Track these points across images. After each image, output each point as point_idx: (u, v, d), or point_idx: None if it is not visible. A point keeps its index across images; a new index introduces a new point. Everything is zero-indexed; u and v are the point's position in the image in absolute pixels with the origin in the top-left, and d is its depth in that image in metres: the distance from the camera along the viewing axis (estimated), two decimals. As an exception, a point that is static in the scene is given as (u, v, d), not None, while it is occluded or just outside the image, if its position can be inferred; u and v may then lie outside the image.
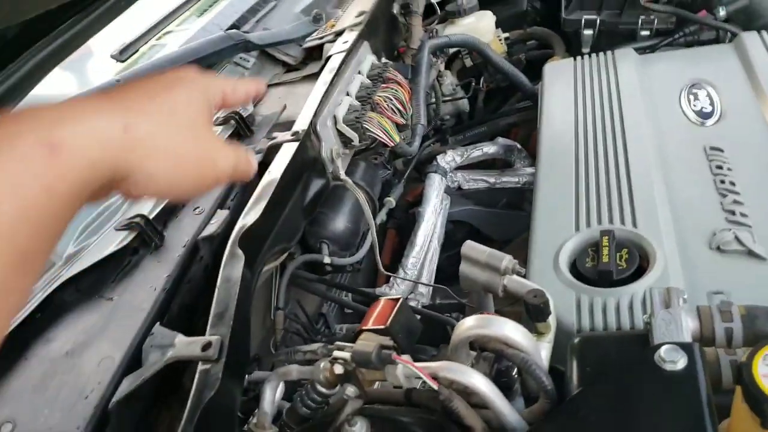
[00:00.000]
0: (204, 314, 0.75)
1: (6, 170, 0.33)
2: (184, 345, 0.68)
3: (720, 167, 0.97)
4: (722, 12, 1.30)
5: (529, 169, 1.48)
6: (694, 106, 1.12)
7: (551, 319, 0.70)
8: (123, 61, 1.22)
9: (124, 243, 0.88)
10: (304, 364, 0.69)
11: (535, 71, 1.53)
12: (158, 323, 0.74)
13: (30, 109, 0.37)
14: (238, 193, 0.99)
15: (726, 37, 1.34)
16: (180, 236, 0.90)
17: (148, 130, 0.42)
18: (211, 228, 0.88)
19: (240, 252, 0.78)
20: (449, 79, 1.74)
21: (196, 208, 0.95)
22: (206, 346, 0.66)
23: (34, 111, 0.37)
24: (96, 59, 1.27)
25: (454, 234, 1.55)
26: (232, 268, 0.76)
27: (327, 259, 1.15)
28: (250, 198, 0.91)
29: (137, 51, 1.27)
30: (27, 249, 0.35)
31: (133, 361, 0.72)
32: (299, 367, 0.69)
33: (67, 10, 0.70)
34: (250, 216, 0.85)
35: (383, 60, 1.40)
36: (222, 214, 0.91)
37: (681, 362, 0.54)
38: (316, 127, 1.09)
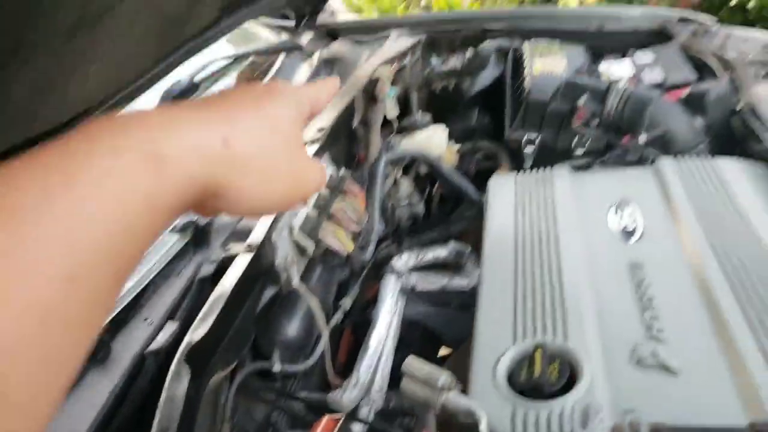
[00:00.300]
0: (146, 429, 0.76)
1: (109, 183, 0.32)
2: (124, 465, 0.69)
3: (641, 283, 1.05)
4: (643, 138, 1.45)
5: (478, 273, 1.56)
6: (620, 223, 1.23)
7: (482, 437, 0.74)
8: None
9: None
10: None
11: (483, 180, 1.64)
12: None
13: (133, 117, 0.36)
14: (190, 303, 1.02)
15: (647, 160, 1.48)
16: (127, 348, 0.91)
17: (246, 145, 0.40)
18: (160, 341, 0.91)
19: (186, 369, 0.80)
20: (405, 185, 1.84)
21: (146, 319, 0.97)
22: (147, 466, 0.67)
23: (139, 119, 0.36)
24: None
25: (409, 335, 1.59)
26: (176, 385, 0.78)
27: (277, 367, 1.17)
28: (200, 309, 0.95)
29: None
30: (126, 264, 0.33)
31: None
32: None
33: (35, 140, 0.75)
34: (199, 330, 0.88)
35: (341, 171, 1.49)
36: (171, 326, 0.93)
37: (593, 482, 0.59)
38: (272, 238, 1.15)
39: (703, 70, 1.80)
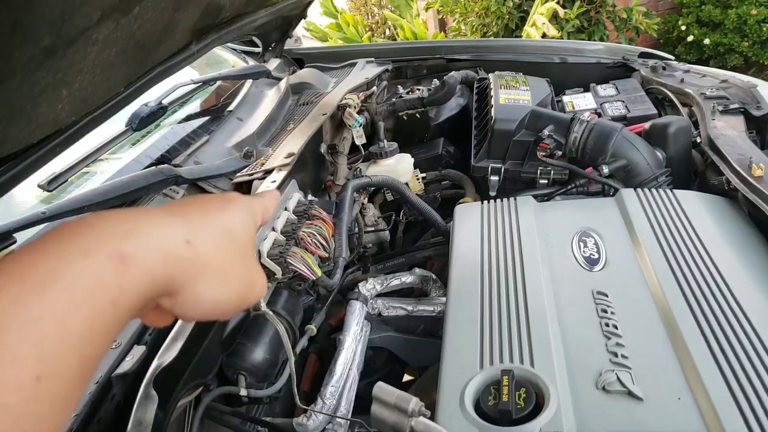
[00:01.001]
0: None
1: (79, 284, 0.33)
2: (88, 495, 0.67)
3: (605, 310, 1.09)
4: (606, 170, 1.50)
5: (444, 299, 1.57)
6: (584, 252, 1.27)
7: (452, 462, 0.74)
8: (50, 191, 1.25)
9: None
10: None
11: (449, 208, 1.67)
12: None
13: (99, 218, 0.38)
14: (157, 328, 1.00)
15: (610, 190, 1.53)
16: (94, 372, 0.89)
17: (207, 248, 0.42)
18: (126, 365, 0.89)
19: (154, 393, 0.79)
20: (372, 212, 1.86)
21: (113, 342, 0.95)
22: (112, 496, 0.65)
23: (105, 220, 0.37)
24: (21, 187, 1.29)
25: (374, 361, 1.59)
26: (144, 410, 0.76)
27: (243, 392, 1.16)
28: (168, 333, 0.93)
29: (66, 180, 1.30)
30: (90, 361, 0.34)
31: None
32: None
33: (6, 160, 0.74)
34: (167, 355, 0.87)
35: (309, 197, 1.49)
36: (138, 350, 0.91)
37: (562, 506, 0.60)
38: (240, 262, 1.14)
39: (662, 104, 1.88)
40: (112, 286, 0.35)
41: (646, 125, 1.64)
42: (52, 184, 1.21)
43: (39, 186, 1.22)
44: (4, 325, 0.30)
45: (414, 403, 0.78)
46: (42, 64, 0.59)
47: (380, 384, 0.82)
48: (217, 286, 0.43)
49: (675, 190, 1.40)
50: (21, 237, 1.03)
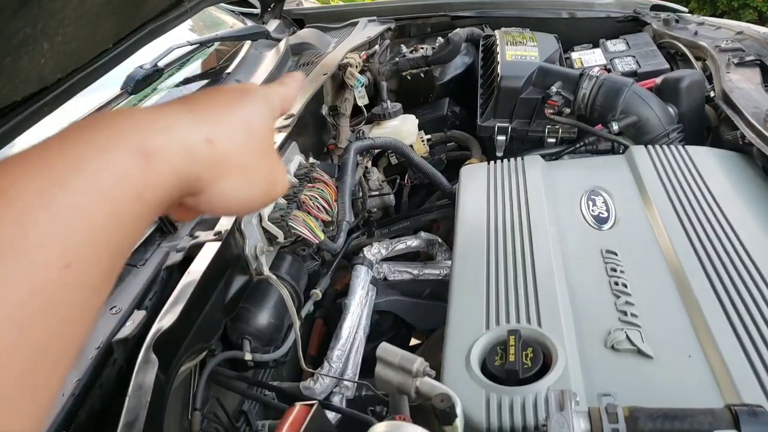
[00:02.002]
0: (115, 421, 0.73)
1: (101, 178, 0.33)
2: (89, 458, 0.66)
3: (614, 269, 1.06)
4: (615, 127, 1.46)
5: (450, 263, 1.55)
6: (593, 211, 1.24)
7: (458, 422, 0.73)
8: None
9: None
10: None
11: (455, 170, 1.63)
12: (64, 432, 0.72)
13: (123, 113, 0.37)
14: (157, 292, 0.98)
15: (620, 148, 1.49)
16: (94, 337, 0.88)
17: (228, 145, 0.42)
18: (127, 329, 0.87)
19: (154, 357, 0.78)
20: (376, 175, 1.83)
21: (113, 308, 0.94)
22: (112, 459, 0.64)
23: (126, 116, 0.37)
24: (17, 151, 1.26)
25: (380, 324, 1.59)
26: (145, 374, 0.75)
27: (248, 356, 1.15)
28: (168, 297, 0.92)
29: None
30: (119, 253, 0.35)
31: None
32: (210, 477, 0.69)
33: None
34: (167, 318, 0.85)
35: (311, 159, 1.46)
36: (139, 315, 0.90)
37: (571, 465, 0.58)
38: (241, 225, 1.12)
39: (674, 58, 1.82)
40: (136, 181, 0.35)
41: (658, 80, 1.59)
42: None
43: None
44: (29, 218, 0.30)
45: (419, 363, 0.77)
46: (17, 12, 0.56)
47: (384, 344, 0.80)
48: (240, 184, 0.43)
49: (687, 146, 1.36)
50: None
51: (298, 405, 0.69)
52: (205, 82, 1.73)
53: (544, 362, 0.90)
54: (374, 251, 1.59)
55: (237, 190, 0.43)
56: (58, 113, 0.89)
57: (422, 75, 2.01)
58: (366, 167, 1.78)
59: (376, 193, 1.81)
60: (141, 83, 1.43)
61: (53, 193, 0.32)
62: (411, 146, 1.75)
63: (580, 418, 0.67)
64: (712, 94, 1.57)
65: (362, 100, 1.77)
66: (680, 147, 1.36)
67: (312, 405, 0.69)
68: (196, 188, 0.40)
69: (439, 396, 0.71)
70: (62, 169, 0.33)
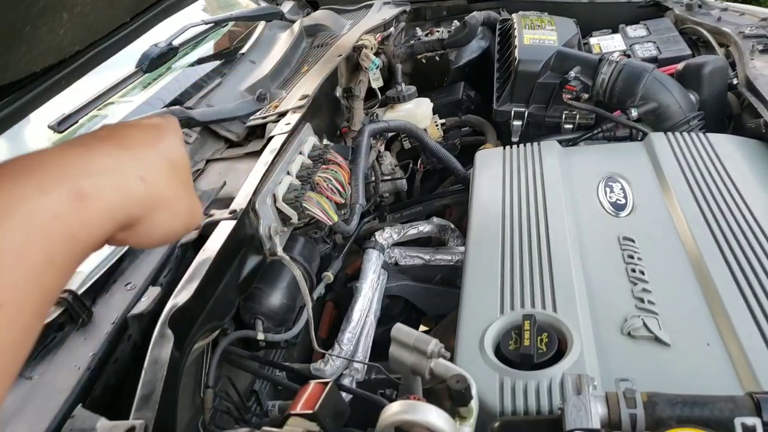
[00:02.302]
0: (130, 395, 0.73)
1: (36, 219, 0.34)
2: (106, 429, 0.66)
3: (631, 256, 1.05)
4: (634, 113, 1.43)
5: (462, 248, 1.55)
6: (610, 197, 1.22)
7: (473, 404, 0.73)
8: (61, 132, 1.22)
9: (49, 318, 0.86)
10: (230, 450, 0.69)
11: (469, 155, 1.62)
12: (80, 405, 0.72)
13: (53, 154, 0.38)
14: (172, 269, 0.98)
15: (638, 135, 1.47)
16: (109, 313, 0.89)
17: (159, 183, 0.44)
18: (142, 305, 0.88)
19: (169, 332, 0.78)
20: (389, 160, 1.81)
21: (127, 284, 0.94)
22: (130, 431, 0.64)
23: (59, 157, 0.38)
24: (32, 128, 1.26)
25: (391, 309, 1.58)
26: (160, 349, 0.75)
27: (261, 336, 1.15)
28: (183, 275, 0.92)
29: (77, 122, 1.28)
30: (50, 292, 0.36)
31: (50, 447, 0.69)
32: (224, 453, 0.69)
33: (7, 88, 0.71)
34: (182, 295, 0.85)
35: (324, 141, 1.45)
36: (154, 291, 0.90)
37: (588, 448, 0.58)
38: (255, 205, 1.11)
39: (696, 44, 1.79)
40: (71, 222, 0.36)
41: (680, 66, 1.56)
42: (62, 125, 1.19)
43: (49, 127, 1.19)
44: None
45: (434, 344, 0.76)
46: (38, -20, 0.55)
47: (399, 325, 0.80)
48: (167, 218, 0.45)
49: (708, 134, 1.33)
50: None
51: (312, 383, 0.69)
52: (218, 62, 1.72)
53: (559, 347, 0.89)
54: (386, 236, 1.59)
55: (164, 224, 0.45)
56: (75, 87, 0.89)
57: (437, 58, 1.98)
58: (379, 151, 1.77)
59: (389, 177, 1.80)
60: (156, 61, 1.43)
61: None
62: (425, 130, 1.73)
63: (598, 403, 0.66)
64: (735, 81, 1.54)
65: (377, 83, 1.75)
66: (701, 134, 1.33)
67: (327, 383, 0.69)
68: (128, 224, 0.42)
69: (454, 377, 0.70)
70: None
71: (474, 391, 0.72)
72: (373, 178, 1.73)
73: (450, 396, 0.71)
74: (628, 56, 1.75)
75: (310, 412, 0.65)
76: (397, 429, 0.68)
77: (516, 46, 1.70)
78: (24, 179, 0.35)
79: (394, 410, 0.65)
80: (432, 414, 0.63)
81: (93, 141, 0.42)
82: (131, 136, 0.45)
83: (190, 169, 0.50)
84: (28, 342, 0.35)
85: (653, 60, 1.71)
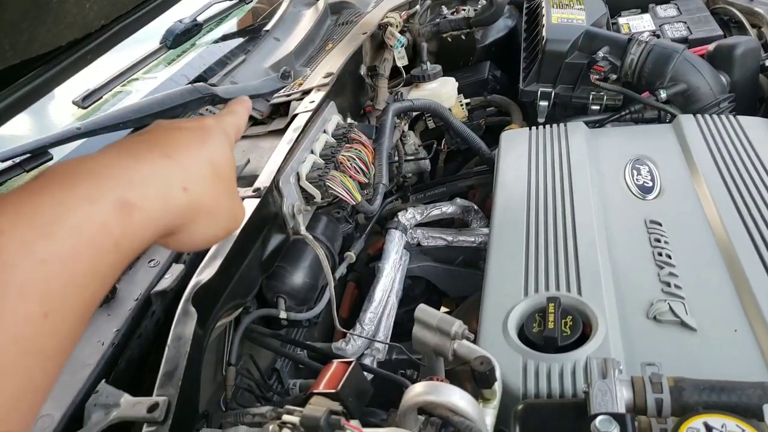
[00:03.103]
0: (153, 370, 0.74)
1: (84, 229, 0.35)
2: (129, 405, 0.67)
3: (658, 240, 1.03)
4: (663, 94, 1.40)
5: (485, 230, 1.53)
6: (637, 180, 1.20)
7: (497, 386, 0.72)
8: (85, 108, 1.23)
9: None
10: (253, 426, 0.70)
11: (493, 136, 1.60)
12: (104, 380, 0.73)
13: (101, 164, 0.39)
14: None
15: (667, 117, 1.44)
16: (133, 289, 0.89)
17: (201, 192, 0.44)
18: (165, 282, 0.88)
19: (193, 310, 0.78)
20: (412, 140, 1.80)
21: (151, 261, 0.95)
22: (153, 408, 0.65)
23: (107, 167, 0.39)
24: (57, 103, 1.28)
25: (412, 289, 1.58)
26: (183, 326, 0.76)
27: (283, 314, 1.15)
28: (206, 252, 0.92)
29: (101, 98, 1.28)
30: (92, 300, 0.37)
31: (74, 420, 0.70)
32: (248, 429, 0.69)
33: (33, 61, 0.71)
34: (205, 272, 0.85)
35: (348, 120, 1.44)
36: (177, 269, 0.91)
37: (614, 432, 0.57)
38: (279, 183, 1.11)
39: (728, 25, 1.74)
40: (115, 232, 0.37)
41: (711, 47, 1.51)
42: (86, 101, 1.19)
43: (74, 103, 1.20)
44: (14, 265, 0.32)
45: (457, 325, 0.76)
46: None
47: (422, 306, 0.79)
48: (208, 225, 0.46)
49: (739, 116, 1.30)
50: (57, 152, 1.02)
51: (335, 362, 0.69)
52: (243, 39, 1.72)
53: (583, 331, 0.88)
54: (409, 216, 1.58)
55: (205, 230, 0.46)
56: (99, 62, 0.89)
57: (463, 37, 1.95)
58: (403, 131, 1.76)
59: (412, 157, 1.78)
60: (180, 37, 1.43)
61: (38, 243, 0.33)
62: (450, 110, 1.71)
63: (623, 387, 0.65)
64: (767, 62, 1.49)
65: (402, 61, 1.73)
66: (731, 117, 1.30)
67: (349, 363, 0.69)
68: (169, 232, 0.43)
69: (478, 359, 0.70)
70: (49, 217, 0.34)
71: (498, 374, 0.72)
72: (397, 158, 1.72)
73: (473, 377, 0.71)
74: (658, 37, 1.70)
75: (333, 391, 0.65)
76: (419, 410, 0.69)
77: (543, 25, 1.67)
78: (74, 189, 0.36)
79: (417, 391, 0.65)
80: (456, 395, 0.63)
81: (140, 147, 0.42)
82: (177, 141, 0.45)
83: (236, 171, 0.51)
84: (70, 348, 0.35)
85: (683, 41, 1.66)
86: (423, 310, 0.79)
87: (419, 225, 1.59)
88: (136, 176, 0.40)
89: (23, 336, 0.31)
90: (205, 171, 0.45)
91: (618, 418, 0.58)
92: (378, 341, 1.30)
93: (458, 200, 1.62)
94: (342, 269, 1.39)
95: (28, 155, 1.00)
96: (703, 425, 0.52)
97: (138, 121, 1.10)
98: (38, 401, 0.33)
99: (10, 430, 0.31)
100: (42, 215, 0.34)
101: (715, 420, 0.53)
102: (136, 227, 0.38)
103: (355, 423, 0.61)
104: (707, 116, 1.32)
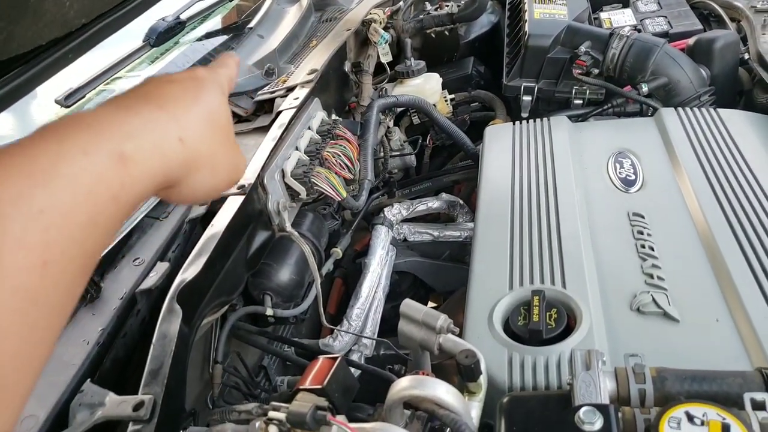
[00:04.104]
0: (138, 369, 0.74)
1: (80, 180, 0.35)
2: (114, 404, 0.67)
3: (641, 232, 1.04)
4: (645, 88, 1.41)
5: (471, 224, 1.54)
6: (620, 173, 1.21)
7: (482, 379, 0.73)
8: (68, 107, 1.22)
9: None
10: (240, 424, 0.70)
11: (478, 131, 1.60)
12: (89, 380, 0.73)
13: (95, 117, 0.39)
14: (180, 244, 0.99)
15: (648, 110, 1.45)
16: (118, 288, 0.89)
17: (197, 141, 0.44)
18: (150, 281, 0.88)
19: (178, 308, 0.78)
20: (397, 135, 1.80)
21: (135, 259, 0.94)
22: (138, 406, 0.65)
23: (101, 119, 0.39)
24: (39, 102, 1.26)
25: (399, 285, 1.58)
26: (169, 324, 0.76)
27: (269, 311, 1.15)
28: (191, 250, 0.92)
29: (84, 97, 1.27)
30: (93, 252, 0.37)
31: (59, 420, 0.69)
32: (234, 426, 0.69)
33: (13, 61, 0.71)
34: (190, 270, 0.85)
35: (333, 116, 1.44)
36: (162, 267, 0.91)
37: (598, 423, 0.58)
38: (264, 180, 1.11)
39: (708, 19, 1.76)
40: (113, 183, 0.37)
41: (691, 41, 1.53)
42: (69, 100, 1.18)
43: (56, 102, 1.19)
44: (11, 215, 0.31)
45: (442, 320, 0.76)
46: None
47: (407, 301, 0.80)
48: (208, 176, 0.46)
49: (719, 109, 1.31)
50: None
51: (321, 358, 0.69)
52: (226, 36, 1.71)
53: (567, 323, 0.89)
54: (395, 212, 1.58)
55: (205, 182, 0.46)
56: (81, 61, 0.88)
57: (447, 33, 1.95)
58: (388, 127, 1.76)
59: (398, 153, 1.78)
60: (163, 35, 1.42)
61: (35, 193, 0.33)
62: (434, 105, 1.71)
63: (607, 378, 0.66)
64: (746, 56, 1.52)
65: (386, 57, 1.73)
66: (711, 110, 1.32)
67: (335, 358, 0.69)
68: (169, 184, 0.43)
69: (463, 352, 0.71)
70: (45, 168, 0.34)
71: (483, 367, 0.73)
72: (382, 154, 1.72)
73: (459, 371, 0.71)
74: (639, 31, 1.72)
75: (319, 387, 0.65)
76: (406, 404, 0.69)
77: (526, 21, 1.67)
78: (69, 141, 0.36)
79: (402, 386, 0.65)
80: (441, 389, 0.63)
81: (134, 101, 0.42)
82: (171, 94, 0.45)
83: (232, 122, 0.50)
84: (72, 302, 0.35)
85: (664, 35, 1.68)
86: (408, 305, 0.79)
87: (405, 220, 1.60)
88: (130, 128, 0.39)
89: (23, 286, 0.31)
90: (200, 121, 0.45)
91: (601, 409, 0.59)
92: (365, 337, 1.30)
93: (444, 195, 1.63)
94: (328, 265, 1.39)
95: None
96: (684, 414, 0.53)
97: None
98: (40, 355, 0.33)
99: (6, 384, 0.31)
100: (38, 165, 0.34)
101: (697, 409, 0.53)
102: (133, 179, 0.38)
103: (341, 418, 0.62)
104: (688, 109, 1.33)
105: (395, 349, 1.21)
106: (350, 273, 1.55)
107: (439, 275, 1.59)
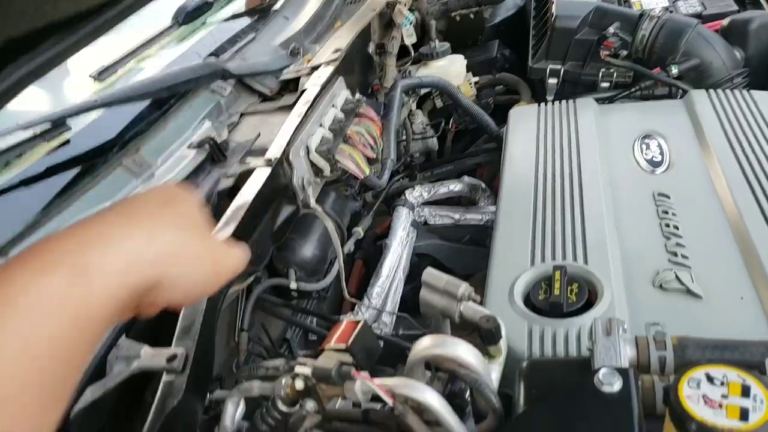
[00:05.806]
0: (170, 327, 0.76)
1: (40, 304, 0.34)
2: (149, 356, 0.69)
3: (666, 212, 1.04)
4: (675, 70, 1.40)
5: (492, 208, 1.54)
6: (646, 155, 1.20)
7: (502, 343, 0.74)
8: (101, 81, 1.25)
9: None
10: (266, 380, 0.72)
11: (502, 115, 1.60)
12: (124, 335, 0.76)
13: (56, 235, 0.38)
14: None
15: (678, 93, 1.43)
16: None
17: (167, 237, 0.43)
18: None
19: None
20: (420, 118, 1.80)
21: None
22: (171, 358, 0.67)
23: (62, 236, 0.38)
24: (73, 78, 1.30)
25: (419, 266, 1.59)
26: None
27: (293, 284, 1.17)
28: (219, 220, 0.94)
29: (116, 72, 1.30)
30: (59, 378, 0.35)
31: (97, 372, 0.72)
32: (261, 383, 0.71)
33: (49, 31, 0.73)
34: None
35: (357, 96, 1.45)
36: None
37: (617, 385, 0.58)
38: (289, 155, 1.13)
39: (743, 1, 1.73)
40: (72, 301, 0.35)
41: (725, 21, 1.51)
42: (102, 75, 1.21)
43: (90, 77, 1.22)
44: None
45: (464, 287, 0.77)
46: None
47: (429, 269, 0.81)
48: (189, 269, 0.44)
49: (753, 91, 1.29)
50: (74, 123, 1.05)
51: (345, 320, 0.71)
52: (252, 18, 1.72)
53: (588, 299, 0.89)
54: (416, 194, 1.59)
55: (187, 277, 0.44)
56: (113, 40, 0.90)
57: (472, 16, 1.95)
58: (410, 109, 1.76)
59: (420, 136, 1.79)
60: (191, 14, 1.44)
61: None
62: (458, 88, 1.71)
63: (627, 345, 0.67)
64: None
65: (410, 39, 1.73)
66: (744, 92, 1.30)
67: (359, 321, 0.71)
68: (147, 286, 0.41)
69: (484, 317, 0.71)
70: (3, 298, 0.33)
71: (503, 332, 0.73)
72: (404, 137, 1.72)
73: (479, 335, 0.72)
74: (671, 12, 1.69)
75: (343, 345, 0.67)
76: (426, 365, 0.70)
77: (553, 2, 1.66)
78: (29, 263, 0.35)
79: (424, 344, 0.66)
80: (462, 348, 0.64)
81: (96, 216, 0.41)
82: (136, 204, 0.44)
83: (205, 221, 0.49)
84: (53, 418, 0.34)
85: (697, 16, 1.65)
86: (430, 273, 0.80)
87: (426, 203, 1.60)
88: (93, 239, 0.38)
89: None
90: (170, 219, 0.44)
91: (621, 371, 0.60)
92: (386, 312, 1.31)
93: (466, 178, 1.63)
94: (350, 244, 1.41)
95: (48, 126, 1.02)
96: (704, 375, 0.53)
97: (152, 94, 1.12)
98: None
99: None
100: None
101: (717, 371, 0.54)
102: (97, 292, 0.37)
103: (364, 374, 0.63)
104: (720, 91, 1.31)
105: (416, 325, 1.22)
106: (371, 255, 1.57)
107: (459, 258, 1.59)
